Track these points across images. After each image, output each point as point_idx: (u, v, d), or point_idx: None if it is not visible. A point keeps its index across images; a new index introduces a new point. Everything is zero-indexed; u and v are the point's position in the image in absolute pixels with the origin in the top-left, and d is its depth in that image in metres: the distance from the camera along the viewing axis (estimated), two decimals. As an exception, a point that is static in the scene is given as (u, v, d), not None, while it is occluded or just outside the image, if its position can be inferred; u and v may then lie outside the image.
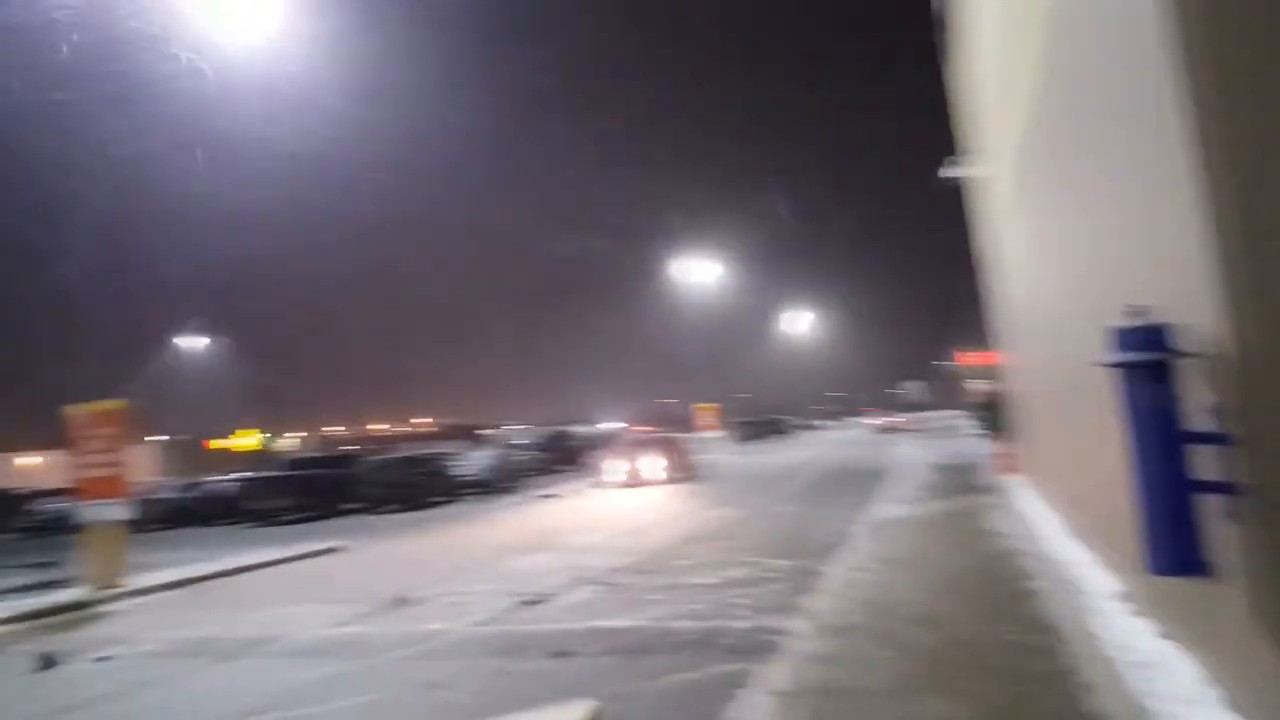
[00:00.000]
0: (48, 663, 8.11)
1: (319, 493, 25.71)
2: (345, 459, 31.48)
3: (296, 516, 25.12)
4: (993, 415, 19.35)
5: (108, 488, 13.11)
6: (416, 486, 25.89)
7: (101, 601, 11.82)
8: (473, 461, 31.16)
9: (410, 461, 27.92)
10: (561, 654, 6.93)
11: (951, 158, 12.70)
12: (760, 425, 59.63)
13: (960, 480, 18.40)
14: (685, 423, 55.52)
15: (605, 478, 26.58)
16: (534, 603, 9.19)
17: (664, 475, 25.65)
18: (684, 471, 27.15)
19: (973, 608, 7.02)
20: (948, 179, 12.53)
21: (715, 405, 44.07)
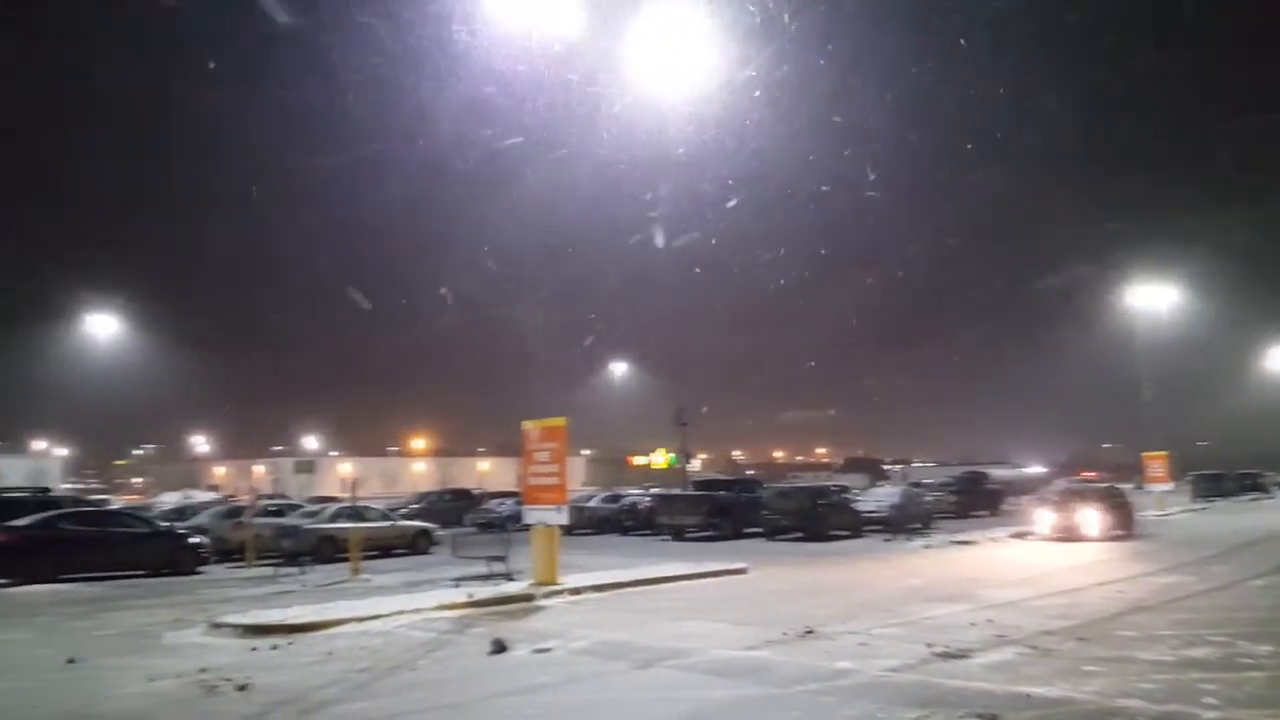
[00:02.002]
0: (499, 648, 9.19)
1: (724, 514, 26.72)
2: (750, 484, 32.49)
3: (702, 534, 26.35)
4: None
5: (549, 494, 14.73)
6: (819, 518, 25.74)
7: (540, 596, 13.23)
8: (876, 498, 30.30)
9: (814, 492, 27.94)
10: (984, 716, 6.21)
11: None
12: (1226, 479, 50.59)
13: None
14: (1129, 472, 48.86)
15: (1031, 528, 24.15)
16: (951, 656, 8.46)
17: (1101, 531, 22.57)
18: (1126, 528, 23.74)
19: None
20: None
21: (1167, 453, 38.11)
